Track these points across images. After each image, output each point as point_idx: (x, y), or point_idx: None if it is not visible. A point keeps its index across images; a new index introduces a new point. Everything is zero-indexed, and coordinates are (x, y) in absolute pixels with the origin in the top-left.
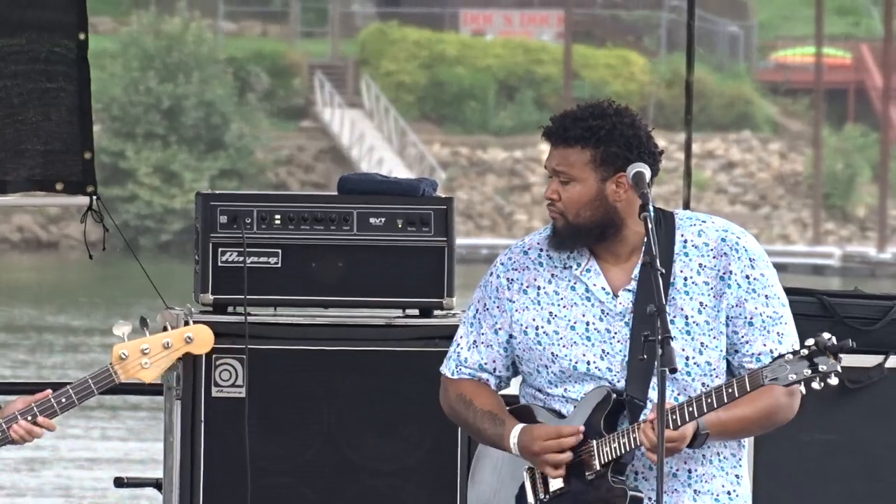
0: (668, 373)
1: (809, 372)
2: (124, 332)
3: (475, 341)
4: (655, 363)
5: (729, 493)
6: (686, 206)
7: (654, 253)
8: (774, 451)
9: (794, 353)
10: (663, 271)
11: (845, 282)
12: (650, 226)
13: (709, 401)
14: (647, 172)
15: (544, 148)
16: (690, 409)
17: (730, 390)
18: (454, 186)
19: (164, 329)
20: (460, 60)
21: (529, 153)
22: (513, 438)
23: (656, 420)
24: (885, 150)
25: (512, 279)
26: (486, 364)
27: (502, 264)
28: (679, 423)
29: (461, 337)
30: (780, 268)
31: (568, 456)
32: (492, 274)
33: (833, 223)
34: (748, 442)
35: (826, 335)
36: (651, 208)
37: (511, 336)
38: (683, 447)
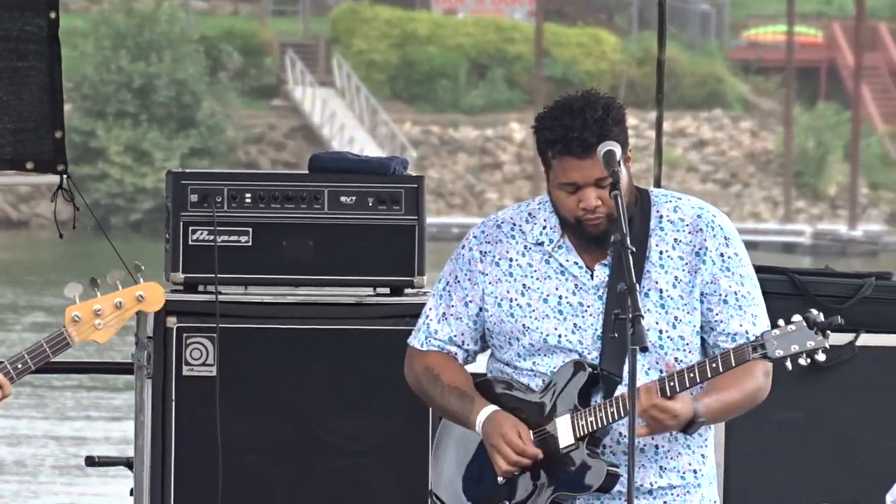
0: (639, 350)
1: (797, 348)
2: (76, 294)
3: (445, 314)
4: (626, 341)
5: (695, 471)
6: (657, 184)
7: (624, 231)
8: (746, 430)
9: (781, 328)
10: (633, 249)
11: (816, 260)
12: (621, 204)
13: (691, 375)
14: (618, 151)
15: (515, 126)
16: (672, 382)
17: (714, 365)
18: (425, 165)
19: (116, 289)
20: (431, 39)
21: (500, 132)
22: (480, 418)
23: (628, 400)
24: (857, 128)
25: (485, 252)
26: (455, 337)
27: (475, 237)
28: (678, 389)
29: (431, 309)
30: (750, 246)
31: (514, 471)
32: (464, 247)
33: (804, 201)
34: None
35: (814, 311)
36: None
37: (482, 309)
38: (672, 425)
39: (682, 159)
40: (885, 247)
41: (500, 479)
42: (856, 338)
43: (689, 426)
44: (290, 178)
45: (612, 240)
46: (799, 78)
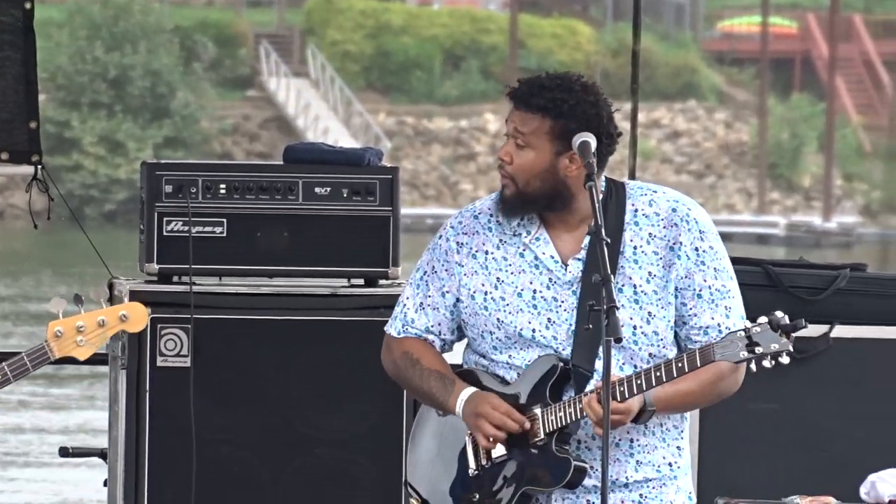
0: (613, 342)
1: (761, 350)
2: (60, 310)
3: (422, 303)
4: (601, 333)
5: (670, 464)
6: (631, 176)
7: (599, 223)
8: (720, 421)
9: (746, 330)
10: (608, 241)
11: (790, 251)
12: (596, 196)
13: (658, 374)
14: (593, 142)
15: (490, 117)
16: (639, 381)
17: (679, 364)
18: (399, 156)
19: (100, 306)
20: (406, 30)
21: (475, 123)
22: (461, 398)
23: (602, 390)
24: (831, 120)
25: (461, 243)
26: (432, 327)
27: (452, 228)
28: (626, 395)
29: (408, 298)
30: (725, 237)
31: (502, 436)
32: (441, 237)
33: (778, 193)
34: (691, 413)
35: (779, 313)
36: (603, 178)
37: (458, 300)
38: (628, 421)
39: (656, 150)
40: (859, 238)
41: (471, 470)
42: (830, 329)
43: (640, 416)
44: (264, 168)
45: (588, 230)
46: (773, 69)
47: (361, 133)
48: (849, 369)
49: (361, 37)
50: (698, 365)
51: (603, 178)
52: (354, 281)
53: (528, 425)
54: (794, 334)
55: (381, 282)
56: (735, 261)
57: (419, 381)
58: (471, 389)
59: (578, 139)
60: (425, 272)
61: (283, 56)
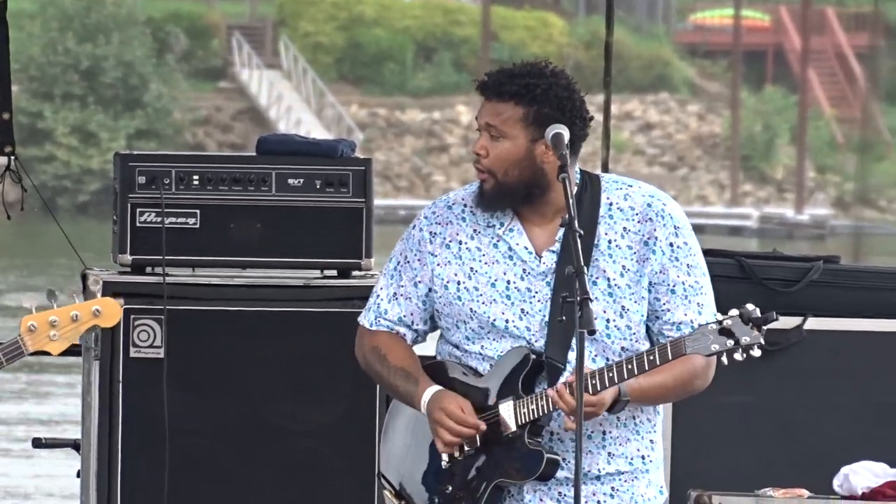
0: (586, 334)
1: (732, 343)
2: (33, 305)
3: (395, 294)
4: (574, 325)
5: (643, 457)
6: (604, 168)
7: (573, 214)
8: (693, 413)
9: (718, 323)
10: (581, 233)
11: (763, 243)
12: (569, 188)
13: (629, 367)
14: (566, 134)
15: (462, 109)
16: (611, 374)
17: (651, 357)
18: (372, 147)
19: (73, 301)
20: (378, 21)
21: (447, 114)
22: (425, 398)
23: (575, 382)
24: (803, 112)
25: (435, 233)
26: (405, 317)
27: (425, 218)
28: (598, 388)
29: (381, 289)
30: (697, 229)
31: (457, 441)
32: (414, 227)
33: (751, 185)
34: (664, 406)
35: (750, 306)
36: (578, 170)
37: (430, 290)
38: (601, 412)
39: (628, 143)
40: (832, 231)
41: (444, 462)
42: (803, 321)
43: (614, 405)
44: (237, 160)
45: (561, 222)
46: (746, 62)
47: (334, 124)
48: (822, 361)
49: (334, 28)
50: (670, 358)
51: (578, 169)
52: (327, 272)
53: (483, 427)
54: (765, 327)
55: (354, 273)
56: (708, 253)
57: (387, 377)
58: (433, 388)
59: (551, 131)
60: (398, 262)
61: (255, 47)
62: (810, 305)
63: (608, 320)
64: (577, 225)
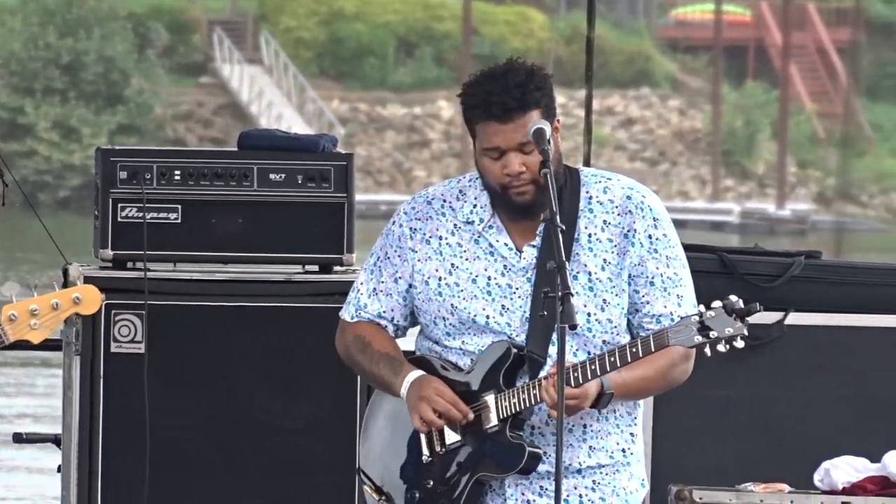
0: (568, 329)
1: (715, 335)
2: (13, 293)
3: (375, 289)
4: (556, 320)
5: (623, 450)
6: (586, 163)
7: (554, 209)
8: (674, 408)
9: (700, 314)
10: (563, 228)
11: (744, 238)
12: (551, 182)
13: (612, 359)
14: (548, 129)
15: (443, 104)
16: (593, 367)
17: (633, 350)
18: (353, 143)
19: (53, 289)
20: (359, 16)
21: (428, 109)
22: (408, 380)
23: (556, 376)
24: (785, 107)
25: (415, 229)
26: (384, 312)
27: (405, 213)
28: (581, 381)
29: (361, 283)
30: (679, 224)
31: (440, 423)
32: (394, 223)
33: (732, 180)
34: (645, 401)
35: (733, 297)
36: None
37: (411, 286)
38: (586, 405)
39: (609, 138)
40: (813, 226)
41: (424, 456)
42: (784, 317)
43: (599, 400)
44: (219, 155)
45: (543, 217)
46: (727, 57)
47: (315, 120)
48: (803, 356)
49: (315, 23)
50: (652, 350)
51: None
52: (309, 267)
53: (471, 416)
54: (748, 318)
55: (336, 268)
56: (690, 248)
57: (369, 364)
58: (418, 372)
59: (533, 126)
60: (378, 258)
61: (236, 43)
62: (791, 300)
63: (589, 314)
64: (558, 219)
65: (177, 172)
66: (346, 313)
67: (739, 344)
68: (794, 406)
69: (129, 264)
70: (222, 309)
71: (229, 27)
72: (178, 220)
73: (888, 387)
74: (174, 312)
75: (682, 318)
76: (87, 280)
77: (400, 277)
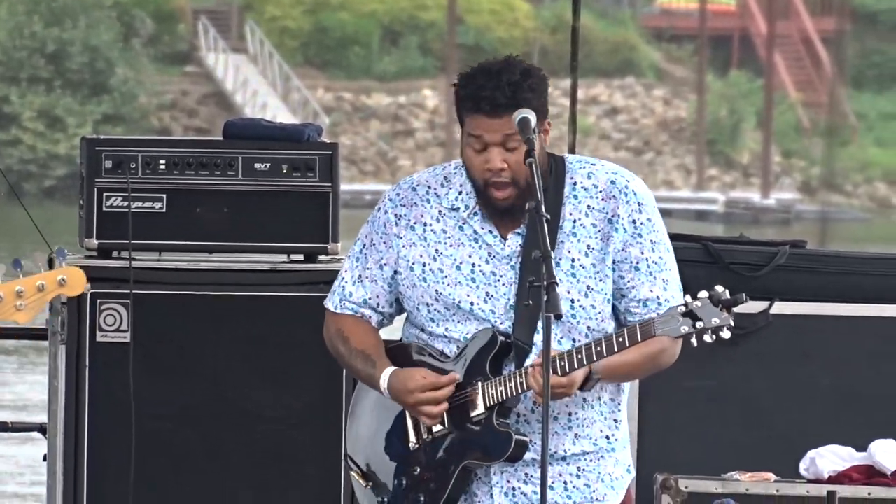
0: (553, 318)
1: (701, 325)
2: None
3: (360, 276)
4: (541, 308)
5: (607, 437)
6: (571, 152)
7: (539, 199)
8: (660, 398)
9: (686, 304)
10: (548, 217)
11: (729, 228)
12: (536, 172)
13: (598, 349)
14: (532, 118)
15: (428, 93)
16: (579, 356)
17: (620, 339)
18: (338, 132)
19: (39, 271)
20: (344, 6)
21: (413, 99)
22: (383, 383)
23: (542, 366)
24: (769, 96)
25: (399, 215)
26: (370, 299)
27: (390, 200)
28: (567, 370)
29: (346, 271)
30: (664, 213)
31: (444, 407)
32: (379, 209)
33: (717, 169)
34: (628, 387)
35: (720, 288)
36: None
37: (396, 272)
38: (573, 392)
39: (594, 127)
40: (798, 215)
41: (411, 444)
42: (769, 306)
43: (585, 383)
44: (204, 144)
45: (528, 207)
46: (712, 46)
47: (300, 109)
48: (788, 346)
49: (300, 12)
50: (639, 340)
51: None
52: (294, 256)
53: (458, 376)
54: (734, 309)
55: (321, 257)
56: (675, 237)
57: (349, 360)
58: (391, 369)
59: (518, 115)
60: (364, 245)
61: (221, 32)
62: (776, 290)
63: (573, 300)
64: (543, 209)
65: (162, 162)
66: (331, 303)
67: (726, 334)
68: (780, 395)
69: (115, 253)
70: (207, 298)
71: (214, 16)
72: (164, 210)
73: (873, 376)
74: (159, 301)
75: (669, 306)
76: None
77: (385, 264)
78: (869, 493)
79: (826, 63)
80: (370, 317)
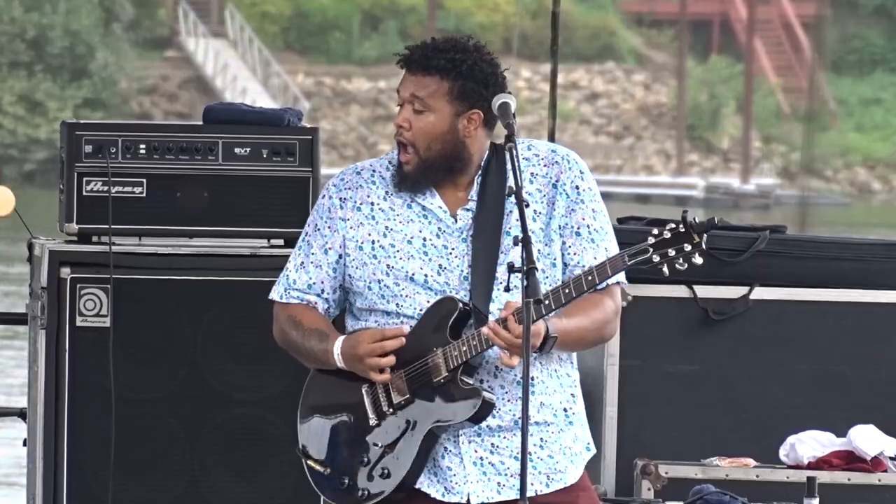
0: (513, 279)
1: (673, 252)
2: None
3: (303, 262)
4: (514, 288)
5: (566, 409)
6: (551, 137)
7: (520, 184)
8: (640, 383)
9: (656, 235)
10: (528, 203)
11: (709, 213)
12: (515, 156)
13: (566, 290)
14: (513, 103)
15: None
16: (547, 301)
17: (589, 277)
18: (318, 117)
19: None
20: None
21: (393, 83)
22: (336, 349)
23: (523, 349)
24: (749, 81)
25: (345, 198)
26: (314, 284)
27: (334, 185)
28: (534, 316)
29: (290, 261)
30: (643, 198)
31: (391, 359)
32: (324, 196)
33: (697, 154)
34: (610, 376)
35: (688, 212)
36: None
37: (341, 256)
38: (537, 343)
39: (574, 112)
40: (778, 200)
41: (371, 419)
42: (749, 291)
43: (544, 344)
44: (184, 129)
45: (507, 192)
46: (692, 31)
47: (280, 94)
48: (768, 331)
49: None
50: (609, 275)
51: (487, 143)
52: (274, 241)
53: (406, 329)
54: (705, 234)
55: None
56: (654, 222)
57: (302, 341)
58: (342, 337)
59: (498, 100)
60: (307, 233)
61: (201, 16)
62: (756, 275)
63: None
64: (491, 190)
65: (142, 146)
66: (276, 293)
67: (698, 260)
68: (760, 380)
69: (95, 238)
70: (188, 283)
71: (194, 1)
72: (144, 194)
73: (853, 361)
74: (139, 286)
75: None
76: (53, 254)
77: (329, 248)
78: (849, 479)
79: (806, 48)
80: (316, 303)
